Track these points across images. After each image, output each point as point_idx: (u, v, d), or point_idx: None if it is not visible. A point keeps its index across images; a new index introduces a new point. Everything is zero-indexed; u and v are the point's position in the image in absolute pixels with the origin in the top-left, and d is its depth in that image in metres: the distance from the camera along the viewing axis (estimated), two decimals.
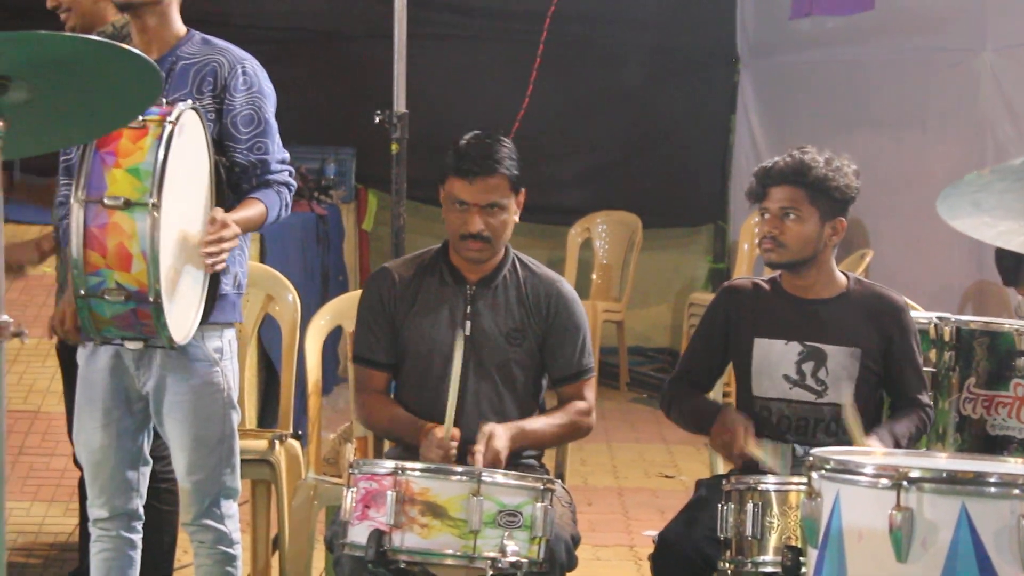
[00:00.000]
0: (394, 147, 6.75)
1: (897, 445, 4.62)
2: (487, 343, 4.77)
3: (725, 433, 4.72)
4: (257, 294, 5.80)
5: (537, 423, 4.77)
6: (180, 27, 4.76)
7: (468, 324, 4.79)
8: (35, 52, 3.16)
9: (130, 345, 4.47)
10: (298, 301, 5.83)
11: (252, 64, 4.77)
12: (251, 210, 4.64)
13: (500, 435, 4.56)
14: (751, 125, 11.48)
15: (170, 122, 4.21)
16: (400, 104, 6.75)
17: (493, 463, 4.47)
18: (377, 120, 6.75)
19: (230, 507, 4.81)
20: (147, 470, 4.83)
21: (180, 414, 4.66)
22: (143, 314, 4.24)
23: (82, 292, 4.22)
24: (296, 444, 5.70)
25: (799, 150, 4.82)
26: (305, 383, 5.60)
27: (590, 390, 4.91)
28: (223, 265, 4.52)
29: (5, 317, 3.12)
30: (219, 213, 4.48)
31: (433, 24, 10.48)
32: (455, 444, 4.54)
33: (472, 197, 4.71)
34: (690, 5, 11.55)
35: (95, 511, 4.81)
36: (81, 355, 4.76)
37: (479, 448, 4.51)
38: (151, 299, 4.20)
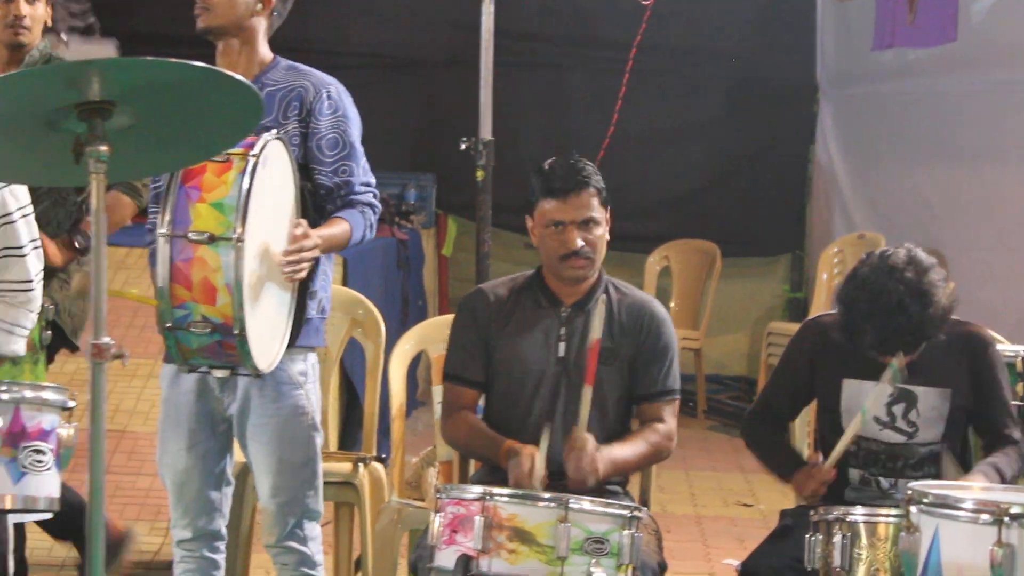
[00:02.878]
0: (479, 174, 6.76)
1: (1003, 483, 4.55)
2: (580, 364, 4.74)
3: (807, 489, 4.67)
4: (342, 318, 5.80)
5: (624, 451, 4.75)
6: (266, 53, 4.78)
7: (562, 345, 4.78)
8: (139, 77, 3.17)
9: (217, 373, 4.47)
10: (383, 326, 5.83)
11: (337, 88, 4.78)
12: (334, 228, 4.64)
13: (599, 455, 4.52)
14: (830, 155, 11.42)
15: (253, 156, 4.21)
16: (486, 132, 6.76)
17: (588, 473, 4.45)
18: (463, 147, 6.76)
19: (313, 529, 4.81)
20: (229, 491, 4.84)
21: (264, 437, 4.67)
22: (228, 346, 4.24)
23: (168, 324, 4.22)
24: (379, 467, 5.71)
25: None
26: (386, 407, 5.60)
27: (671, 414, 4.86)
28: (303, 275, 4.51)
29: (107, 339, 3.12)
30: (301, 225, 4.48)
31: (518, 53, 10.48)
32: (542, 467, 4.52)
33: (567, 215, 4.70)
34: (771, 36, 11.52)
35: (179, 532, 4.82)
36: (165, 378, 4.78)
37: (578, 460, 4.46)
38: (236, 331, 4.20)
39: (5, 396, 3.21)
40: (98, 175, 3.16)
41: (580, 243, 4.71)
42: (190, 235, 4.17)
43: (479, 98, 7.10)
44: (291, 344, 4.58)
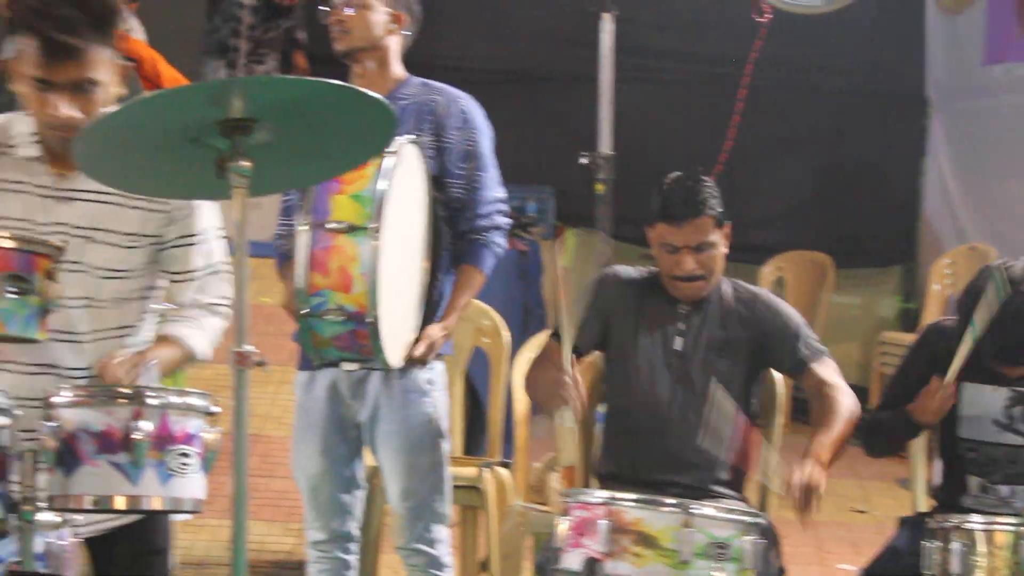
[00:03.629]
0: (599, 187, 6.77)
1: None
2: (695, 356, 4.73)
3: (930, 408, 4.60)
4: (467, 327, 5.83)
5: (828, 437, 4.64)
6: (400, 72, 4.81)
7: (678, 339, 4.77)
8: (278, 95, 3.20)
9: (347, 366, 4.50)
10: (508, 336, 5.85)
11: (468, 102, 4.81)
12: (469, 289, 4.79)
13: (815, 471, 4.49)
14: (941, 168, 11.30)
15: (391, 153, 4.25)
16: (606, 146, 6.75)
17: (811, 490, 4.43)
18: (584, 161, 6.75)
19: (440, 531, 4.83)
20: (361, 494, 4.88)
21: (393, 443, 4.70)
22: (361, 335, 4.28)
23: (304, 311, 4.27)
24: (504, 472, 5.72)
25: None
26: (509, 413, 5.61)
27: (832, 371, 4.80)
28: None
29: (250, 347, 3.15)
30: (428, 336, 4.60)
31: (635, 68, 10.45)
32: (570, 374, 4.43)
33: (681, 240, 4.69)
34: (881, 50, 11.40)
35: (313, 533, 4.86)
36: (299, 384, 4.82)
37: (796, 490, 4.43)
38: (368, 320, 4.24)
39: (154, 401, 3.24)
40: (240, 189, 3.18)
41: (691, 267, 4.70)
42: (329, 224, 4.22)
43: (598, 113, 7.10)
44: None
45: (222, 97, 3.14)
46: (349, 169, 4.02)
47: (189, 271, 3.94)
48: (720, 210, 4.72)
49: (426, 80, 4.84)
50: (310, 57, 10.37)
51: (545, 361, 4.75)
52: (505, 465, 5.75)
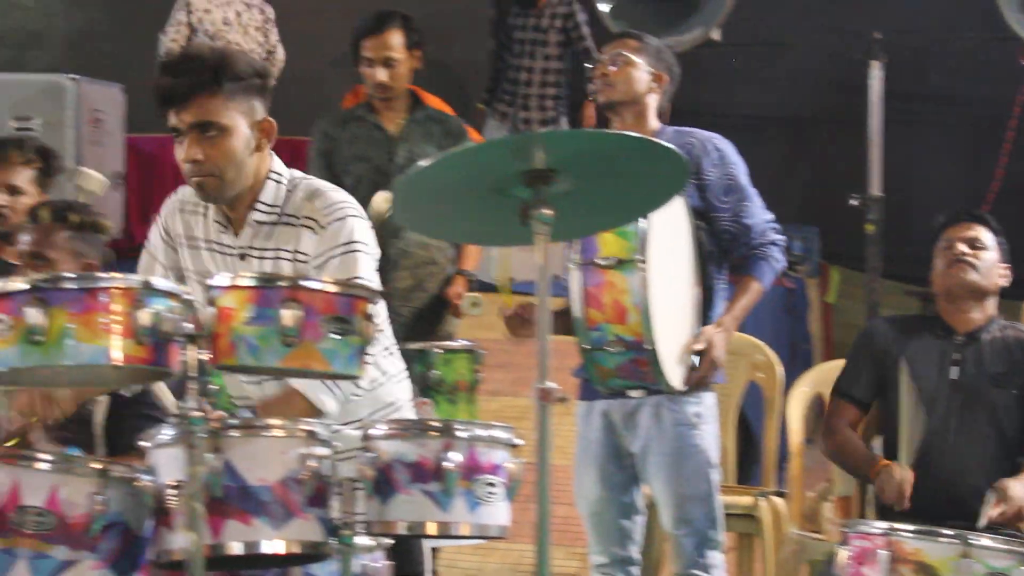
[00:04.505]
0: (869, 228, 6.71)
1: None
2: (973, 387, 4.69)
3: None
4: (742, 363, 5.83)
5: None
6: (655, 123, 4.87)
7: (955, 370, 4.73)
8: (578, 147, 3.26)
9: (633, 394, 4.55)
10: (781, 371, 5.83)
11: (721, 141, 4.85)
12: (742, 299, 4.75)
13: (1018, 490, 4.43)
14: None
15: None
16: (875, 188, 6.69)
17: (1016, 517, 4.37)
18: (855, 203, 6.70)
19: (715, 557, 4.82)
20: (641, 520, 4.90)
21: (665, 473, 4.72)
22: (641, 362, 4.35)
23: (586, 346, 4.35)
24: (779, 500, 5.69)
25: None
26: (782, 445, 5.59)
27: None
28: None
29: (552, 384, 3.20)
30: (706, 335, 4.55)
31: (902, 112, 10.32)
32: (909, 485, 4.48)
33: (957, 234, 4.87)
34: None
35: (595, 557, 4.90)
36: (578, 415, 4.87)
37: (993, 512, 4.39)
38: (647, 347, 4.30)
39: (463, 434, 3.32)
40: (542, 235, 3.24)
41: (962, 248, 4.77)
42: (599, 261, 4.28)
43: (865, 155, 7.05)
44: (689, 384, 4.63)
45: (526, 150, 3.21)
46: (643, 214, 4.07)
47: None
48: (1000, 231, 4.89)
49: (678, 127, 4.89)
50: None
51: (842, 427, 4.93)
52: (780, 494, 5.71)
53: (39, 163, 5.34)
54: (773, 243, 4.81)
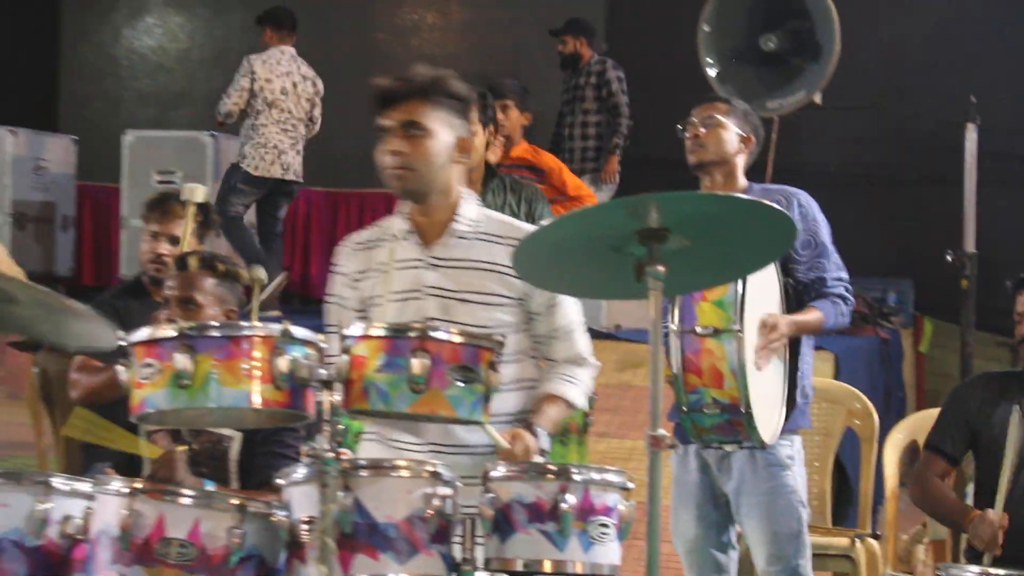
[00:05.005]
0: (964, 283, 6.72)
1: None
2: None
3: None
4: (839, 410, 5.87)
5: None
6: (743, 182, 4.92)
7: None
8: (691, 208, 3.34)
9: (728, 448, 4.63)
10: (876, 417, 5.86)
11: (805, 197, 4.91)
12: (808, 315, 4.75)
13: None
14: None
15: None
16: (970, 245, 6.70)
17: None
18: (949, 259, 6.71)
19: None
20: (735, 555, 4.96)
21: (758, 513, 4.77)
22: (737, 423, 4.44)
23: (684, 408, 4.45)
24: (874, 542, 5.70)
25: None
26: (876, 488, 5.62)
27: None
28: (777, 347, 4.62)
29: (663, 432, 3.27)
30: (769, 318, 4.58)
31: (995, 172, 10.31)
32: (1003, 529, 4.49)
33: None
34: None
35: None
36: (675, 458, 4.92)
37: None
38: (743, 410, 4.39)
39: (578, 477, 3.39)
40: (655, 291, 3.31)
41: None
42: (697, 329, 4.40)
43: (960, 213, 7.07)
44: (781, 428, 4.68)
45: (641, 211, 3.29)
46: (751, 271, 4.12)
47: (555, 329, 4.05)
48: None
49: (765, 185, 4.96)
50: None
51: (932, 478, 4.91)
52: (875, 536, 5.73)
53: (199, 216, 5.51)
54: (842, 297, 4.85)
